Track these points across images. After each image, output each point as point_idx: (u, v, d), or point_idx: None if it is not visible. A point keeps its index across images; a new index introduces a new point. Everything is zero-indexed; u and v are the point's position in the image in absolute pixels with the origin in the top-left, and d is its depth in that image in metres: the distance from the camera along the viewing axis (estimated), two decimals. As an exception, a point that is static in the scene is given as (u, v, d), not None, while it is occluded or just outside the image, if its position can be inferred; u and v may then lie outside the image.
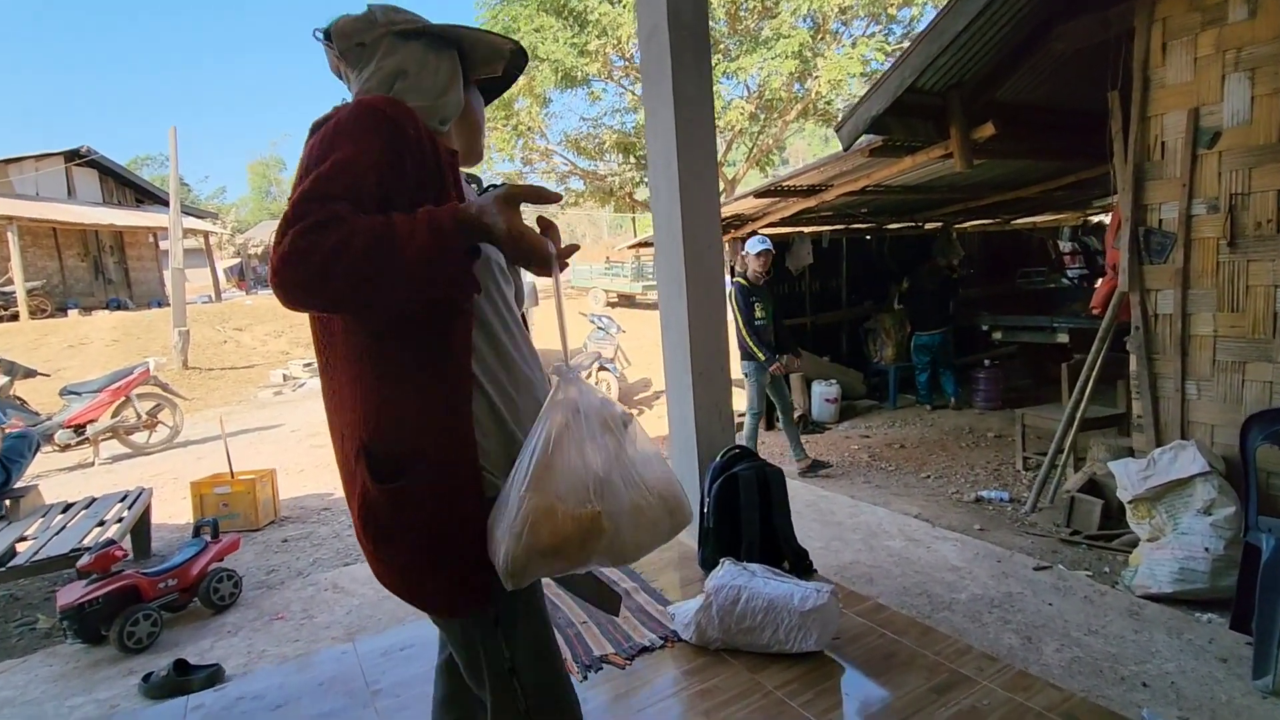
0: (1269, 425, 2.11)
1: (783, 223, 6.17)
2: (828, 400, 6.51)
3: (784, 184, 5.16)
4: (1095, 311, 3.84)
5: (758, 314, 4.67)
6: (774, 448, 5.61)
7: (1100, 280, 3.84)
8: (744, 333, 4.61)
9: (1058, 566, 3.03)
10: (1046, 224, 8.82)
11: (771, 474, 2.45)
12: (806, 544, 2.69)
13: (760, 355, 4.58)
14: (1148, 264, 3.13)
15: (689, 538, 2.72)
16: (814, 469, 4.93)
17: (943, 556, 3.14)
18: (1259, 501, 2.25)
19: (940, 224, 7.71)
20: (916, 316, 6.81)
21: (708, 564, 2.44)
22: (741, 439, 4.88)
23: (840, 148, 4.03)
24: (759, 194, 5.29)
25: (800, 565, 2.45)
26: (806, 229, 6.81)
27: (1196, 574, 2.68)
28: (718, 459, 2.50)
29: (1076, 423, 3.88)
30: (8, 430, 4.47)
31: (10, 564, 2.93)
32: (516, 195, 0.90)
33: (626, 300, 17.82)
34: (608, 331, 8.23)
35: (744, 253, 4.81)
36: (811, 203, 5.31)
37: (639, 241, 8.12)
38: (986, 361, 6.97)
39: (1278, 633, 2.07)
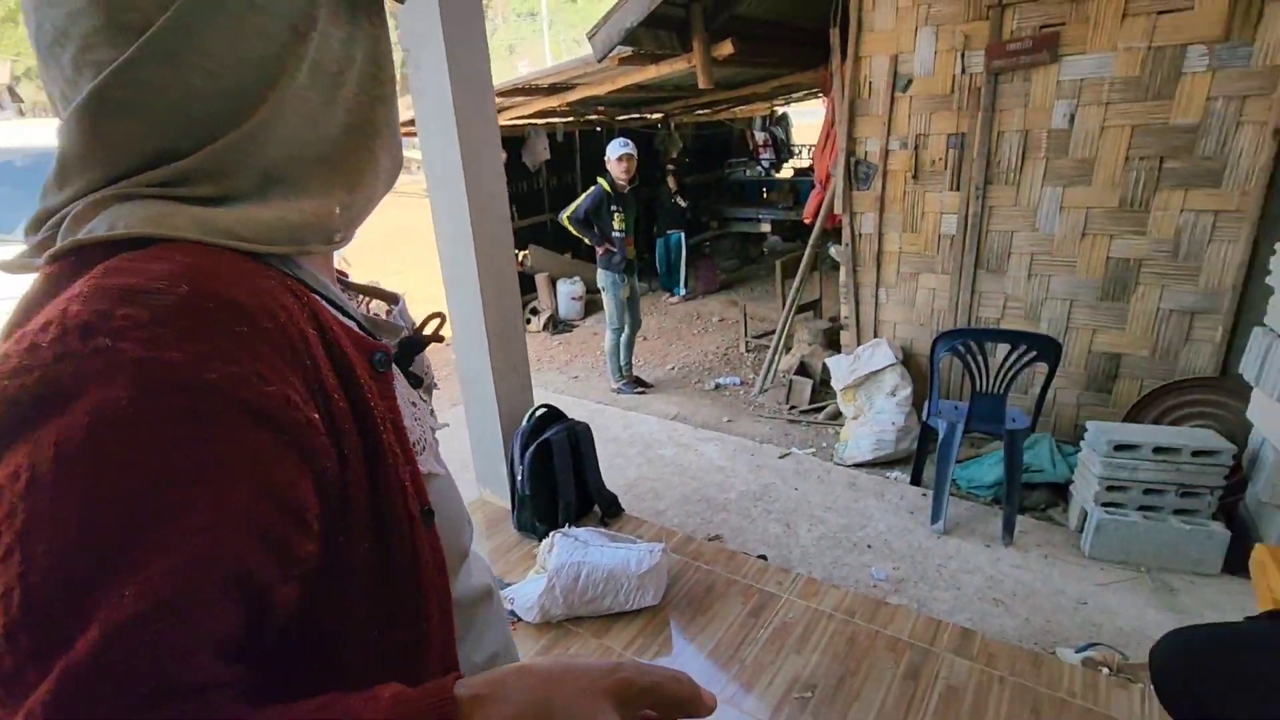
0: (950, 341, 2.76)
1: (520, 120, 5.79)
2: (574, 299, 6.66)
3: (531, 83, 4.79)
4: (807, 220, 4.45)
5: (616, 224, 4.34)
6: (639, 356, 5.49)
7: (811, 192, 4.41)
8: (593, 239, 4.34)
9: (793, 451, 3.68)
10: (745, 115, 9.70)
11: (580, 431, 2.48)
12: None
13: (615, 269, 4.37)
14: (856, 190, 3.68)
15: (499, 498, 2.67)
16: (631, 387, 4.83)
17: (709, 459, 3.58)
18: (937, 391, 2.97)
19: (661, 116, 7.98)
20: (660, 220, 7.21)
21: (526, 528, 2.45)
22: (606, 355, 4.80)
23: (591, 51, 3.83)
24: (501, 92, 4.84)
25: (611, 510, 2.59)
26: (539, 121, 6.51)
27: (887, 443, 3.49)
28: (524, 423, 2.44)
29: (791, 309, 4.57)
30: None
31: None
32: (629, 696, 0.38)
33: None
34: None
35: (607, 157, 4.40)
36: (554, 102, 5.05)
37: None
38: (706, 248, 7.73)
39: (946, 491, 2.84)
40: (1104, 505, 2.62)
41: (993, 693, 1.79)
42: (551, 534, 2.12)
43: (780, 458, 3.57)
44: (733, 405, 4.53)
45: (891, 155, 3.51)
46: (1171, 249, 2.94)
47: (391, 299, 0.64)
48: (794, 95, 8.67)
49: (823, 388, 4.34)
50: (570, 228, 4.45)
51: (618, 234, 4.40)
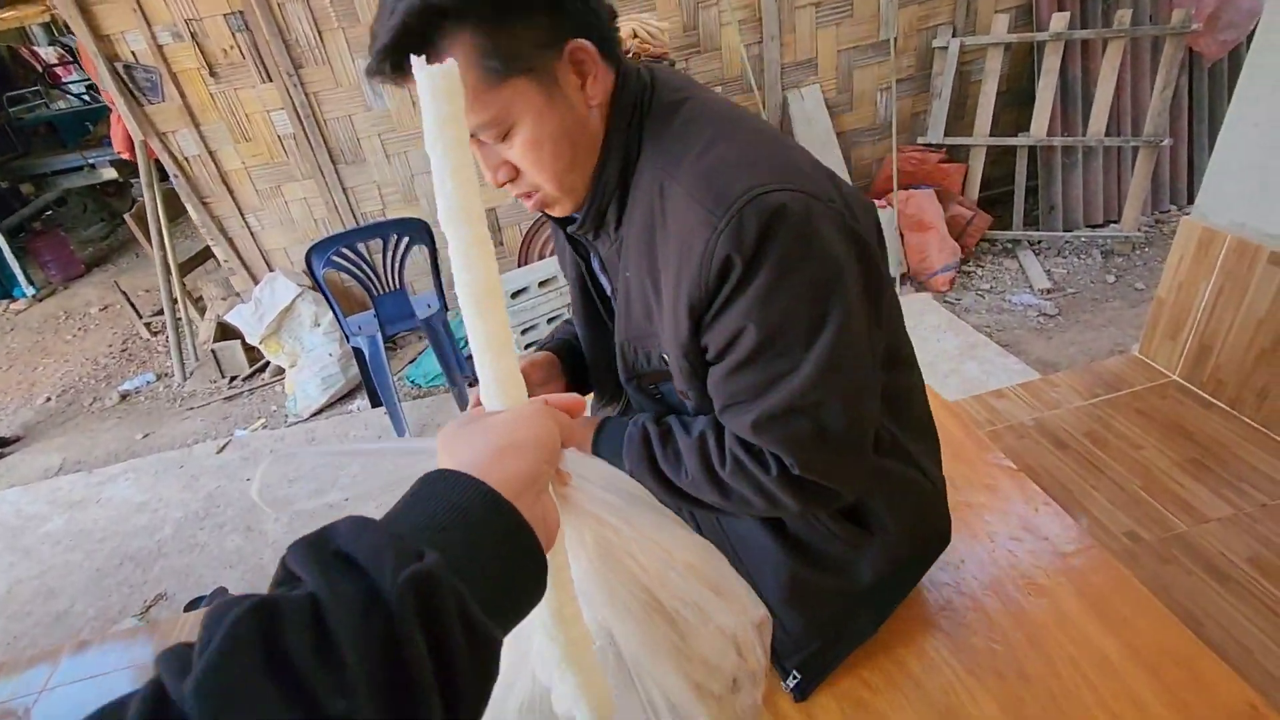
0: (322, 256, 2.45)
1: None
2: None
3: None
4: (126, 156, 3.43)
5: None
6: None
7: (111, 118, 3.36)
8: None
9: (236, 435, 3.06)
10: (6, 26, 6.92)
11: None
12: None
13: None
14: (148, 105, 2.87)
15: None
16: None
17: (122, 501, 2.71)
18: (343, 310, 2.70)
19: None
20: None
21: None
22: None
23: None
24: None
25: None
26: None
27: (334, 376, 3.17)
28: None
29: (175, 270, 3.66)
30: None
31: None
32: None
33: None
34: None
35: None
36: None
37: None
38: (38, 226, 5.61)
39: (396, 404, 2.71)
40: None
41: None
42: None
43: (219, 452, 2.92)
44: (153, 411, 3.53)
45: (169, 51, 2.78)
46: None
47: None
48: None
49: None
50: None
51: None
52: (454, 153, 0.51)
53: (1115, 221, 3.32)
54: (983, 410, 1.88)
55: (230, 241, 3.22)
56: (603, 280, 0.92)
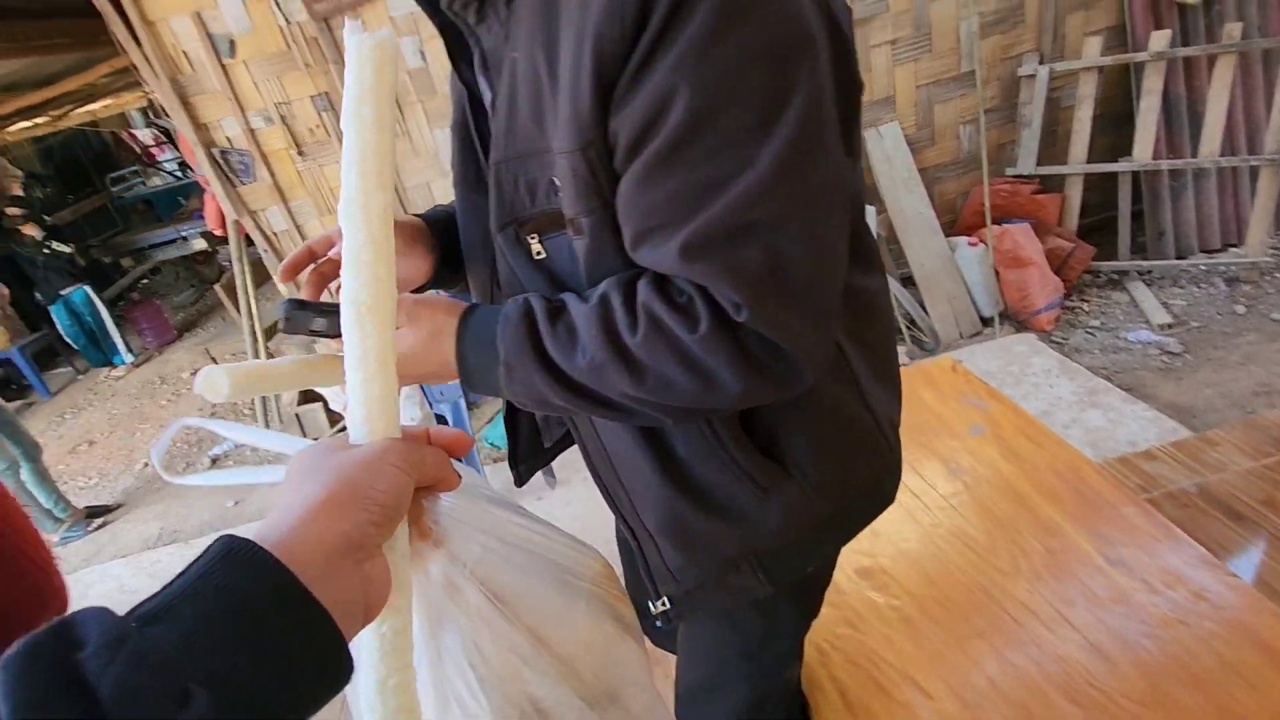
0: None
1: None
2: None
3: None
4: (217, 231, 3.60)
5: None
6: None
7: (204, 196, 3.54)
8: None
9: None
10: (110, 113, 7.55)
11: None
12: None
13: None
14: (241, 186, 3.00)
15: None
16: (83, 525, 3.39)
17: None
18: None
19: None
20: (43, 283, 5.21)
21: None
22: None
23: None
24: None
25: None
26: None
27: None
28: None
29: (260, 335, 3.78)
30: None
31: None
32: None
33: None
34: None
35: None
36: None
37: None
38: (135, 295, 5.98)
39: (480, 470, 2.67)
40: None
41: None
42: None
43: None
44: (240, 477, 3.61)
45: (260, 134, 2.91)
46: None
47: None
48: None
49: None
50: None
51: None
52: (369, 133, 0.44)
53: (1235, 245, 3.05)
54: (1131, 474, 1.69)
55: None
56: (485, 96, 0.66)
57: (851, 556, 1.24)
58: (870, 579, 1.17)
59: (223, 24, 2.70)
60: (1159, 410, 2.34)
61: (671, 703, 0.94)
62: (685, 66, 0.47)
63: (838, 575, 1.23)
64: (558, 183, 0.56)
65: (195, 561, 0.35)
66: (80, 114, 7.07)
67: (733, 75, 0.48)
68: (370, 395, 0.46)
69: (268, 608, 0.34)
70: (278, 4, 2.68)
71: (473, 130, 0.68)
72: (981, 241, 2.98)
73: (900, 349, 2.95)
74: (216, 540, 0.36)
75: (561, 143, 0.54)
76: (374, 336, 0.46)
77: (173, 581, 0.34)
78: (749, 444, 0.67)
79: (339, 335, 0.48)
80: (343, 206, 0.45)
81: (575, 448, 0.80)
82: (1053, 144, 3.21)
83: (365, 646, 0.44)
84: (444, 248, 0.78)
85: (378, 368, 0.46)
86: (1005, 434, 1.38)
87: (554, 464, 2.76)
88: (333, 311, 0.61)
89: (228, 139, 2.91)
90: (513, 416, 0.84)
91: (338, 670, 0.37)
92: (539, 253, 0.62)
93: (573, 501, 2.53)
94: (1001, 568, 1.12)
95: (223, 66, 2.75)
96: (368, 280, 0.45)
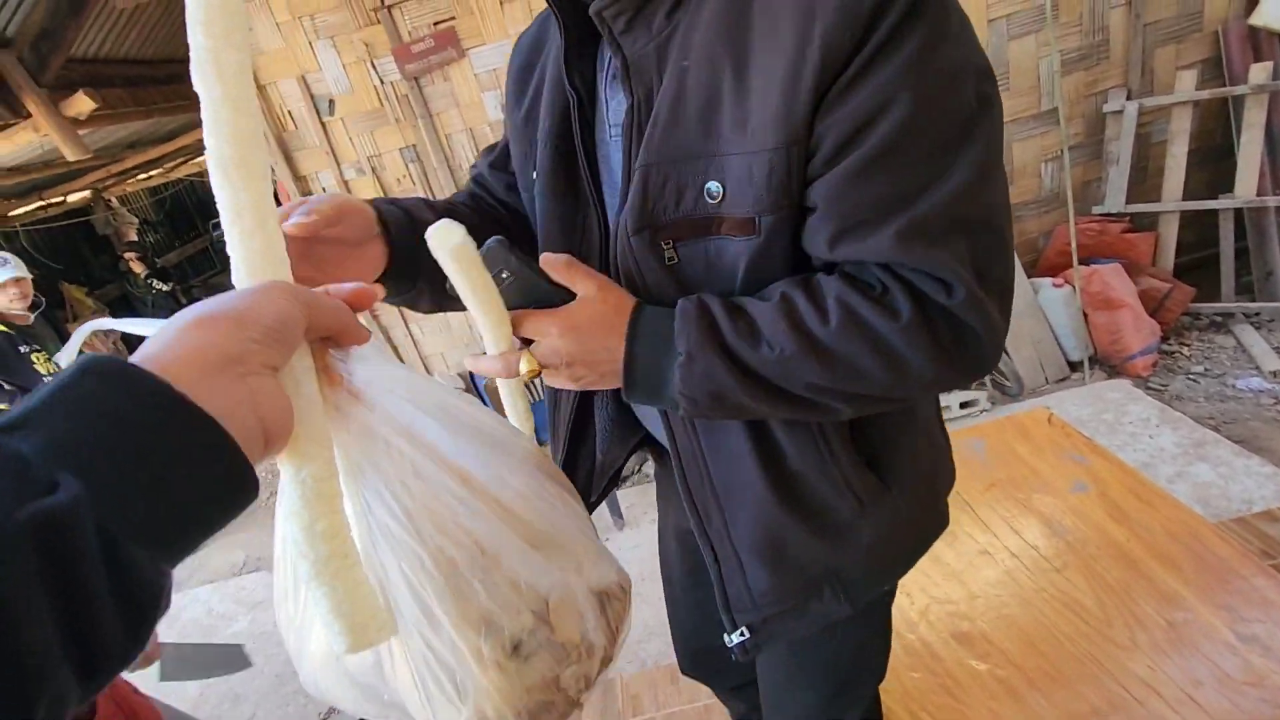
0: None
1: None
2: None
3: None
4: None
5: (41, 367, 2.90)
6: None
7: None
8: None
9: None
10: (214, 164, 8.22)
11: None
12: None
13: None
14: (333, 232, 3.18)
15: None
16: None
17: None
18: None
19: (88, 193, 6.18)
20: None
21: None
22: None
23: None
24: None
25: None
26: None
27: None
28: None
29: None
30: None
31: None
32: None
33: None
34: None
35: None
36: None
37: None
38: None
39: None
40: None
41: None
42: None
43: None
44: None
45: (353, 184, 3.10)
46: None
47: None
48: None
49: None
50: None
51: (50, 377, 3.14)
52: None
53: (1355, 286, 2.82)
54: (1252, 537, 1.55)
55: (394, 348, 3.44)
56: (605, 105, 0.66)
57: (946, 619, 1.18)
58: (969, 646, 1.10)
59: (324, 85, 2.91)
60: (1277, 466, 2.16)
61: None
62: (906, 76, 0.52)
63: (932, 638, 1.17)
64: (716, 188, 0.58)
65: (53, 379, 0.32)
66: (190, 166, 7.73)
67: (946, 88, 0.53)
68: (251, 248, 0.45)
69: (145, 412, 0.31)
70: (373, 65, 2.88)
71: (577, 140, 0.68)
72: (1068, 282, 2.86)
73: (980, 393, 2.83)
74: (75, 360, 0.33)
75: (754, 143, 0.56)
76: (245, 192, 0.44)
77: (30, 397, 0.31)
78: (857, 457, 0.68)
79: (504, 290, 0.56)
80: (193, 67, 0.43)
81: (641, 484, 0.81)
82: (1142, 181, 3.07)
83: (288, 494, 0.43)
84: (396, 247, 0.70)
85: (255, 222, 0.45)
86: (1112, 492, 1.30)
87: (623, 505, 2.76)
88: (515, 272, 0.59)
89: (323, 188, 3.11)
90: (573, 455, 0.84)
91: (239, 476, 0.34)
92: (670, 258, 0.63)
93: (641, 544, 2.51)
94: (1117, 640, 1.04)
95: (322, 124, 2.96)
96: (229, 136, 0.44)
